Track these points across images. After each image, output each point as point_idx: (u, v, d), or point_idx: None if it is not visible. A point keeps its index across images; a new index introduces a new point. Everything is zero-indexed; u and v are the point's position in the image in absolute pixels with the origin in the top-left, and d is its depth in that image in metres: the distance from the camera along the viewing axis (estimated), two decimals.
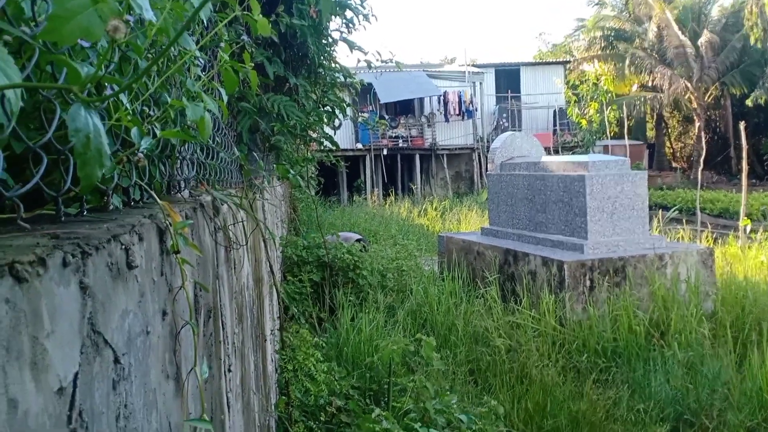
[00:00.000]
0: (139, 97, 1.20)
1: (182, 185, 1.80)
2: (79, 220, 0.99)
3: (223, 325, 1.91)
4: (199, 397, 1.34)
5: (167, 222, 1.25)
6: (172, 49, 1.45)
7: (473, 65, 29.75)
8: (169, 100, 1.33)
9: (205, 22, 1.53)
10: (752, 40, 26.77)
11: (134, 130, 1.01)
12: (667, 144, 37.88)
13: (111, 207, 1.16)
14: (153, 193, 1.28)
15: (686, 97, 31.00)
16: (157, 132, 1.16)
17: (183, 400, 1.30)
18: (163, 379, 1.17)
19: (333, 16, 4.03)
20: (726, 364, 5.53)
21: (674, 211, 14.44)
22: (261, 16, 1.63)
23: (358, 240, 9.10)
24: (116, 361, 0.88)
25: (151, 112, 1.31)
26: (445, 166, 27.96)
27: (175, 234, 1.23)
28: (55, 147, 0.89)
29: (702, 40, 29.26)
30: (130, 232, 1.00)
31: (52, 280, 0.70)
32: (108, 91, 1.00)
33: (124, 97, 1.04)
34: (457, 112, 27.82)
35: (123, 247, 0.95)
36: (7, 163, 0.85)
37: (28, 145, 0.83)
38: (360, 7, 4.04)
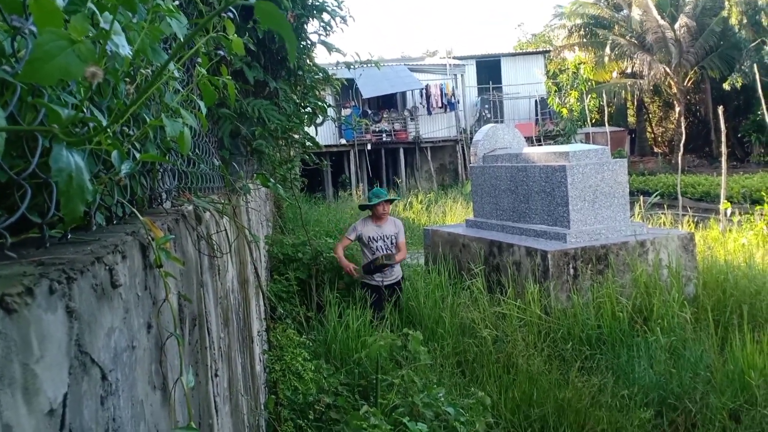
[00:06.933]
0: (118, 118, 1.24)
1: (164, 197, 1.84)
2: (63, 243, 1.03)
3: (208, 331, 1.95)
4: (186, 405, 1.39)
5: (149, 237, 1.29)
6: (151, 66, 1.49)
7: (454, 57, 29.80)
8: (147, 118, 1.37)
9: (181, 38, 1.56)
10: (733, 21, 27.05)
11: (114, 154, 1.05)
12: (648, 129, 38.21)
13: (94, 226, 1.20)
14: (135, 209, 1.32)
15: (666, 82, 31.28)
16: (137, 155, 1.19)
17: (170, 408, 1.35)
18: (150, 390, 1.22)
19: (310, 19, 4.07)
20: (708, 348, 5.64)
21: (656, 196, 14.61)
22: (236, 31, 1.67)
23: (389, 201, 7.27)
24: (104, 378, 0.93)
25: (131, 132, 1.35)
26: (429, 158, 28.03)
27: (158, 249, 1.27)
28: (39, 174, 0.93)
29: (678, 24, 29.52)
30: (113, 251, 1.04)
31: (39, 307, 0.74)
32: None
33: (104, 120, 1.08)
34: (439, 104, 27.89)
35: (107, 267, 0.99)
36: None
37: (11, 176, 0.87)
38: (337, 9, 4.08)
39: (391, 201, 7.14)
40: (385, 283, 6.77)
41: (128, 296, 1.11)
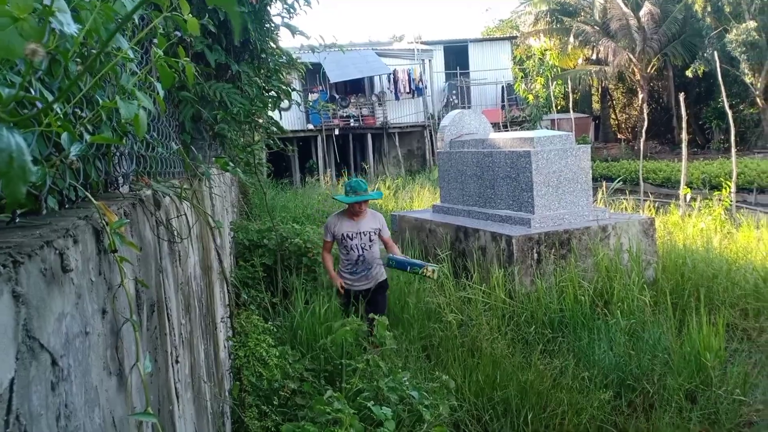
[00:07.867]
0: (70, 99, 1.21)
1: (121, 181, 1.81)
2: (11, 227, 1.01)
3: (168, 317, 1.93)
4: (144, 391, 1.37)
5: (103, 222, 1.27)
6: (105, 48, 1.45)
7: (422, 42, 29.75)
8: (101, 100, 1.34)
9: (136, 20, 1.53)
10: (697, 8, 27.47)
11: (64, 136, 1.03)
12: (612, 116, 38.70)
13: (45, 210, 1.18)
14: (88, 193, 1.29)
15: (630, 69, 31.68)
16: (87, 137, 1.17)
17: (127, 395, 1.34)
18: (105, 376, 1.20)
19: (274, 0, 4.02)
20: (666, 330, 5.77)
21: (618, 182, 14.83)
22: (196, 12, 1.64)
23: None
24: (54, 363, 0.91)
25: (83, 114, 1.32)
26: (397, 144, 28.03)
27: (112, 233, 1.25)
28: None
29: (643, 11, 29.87)
30: (64, 236, 1.02)
31: None
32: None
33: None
34: (407, 90, 27.85)
35: (57, 251, 0.97)
36: None
37: None
38: None
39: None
40: (357, 288, 5.90)
41: (81, 281, 1.09)
